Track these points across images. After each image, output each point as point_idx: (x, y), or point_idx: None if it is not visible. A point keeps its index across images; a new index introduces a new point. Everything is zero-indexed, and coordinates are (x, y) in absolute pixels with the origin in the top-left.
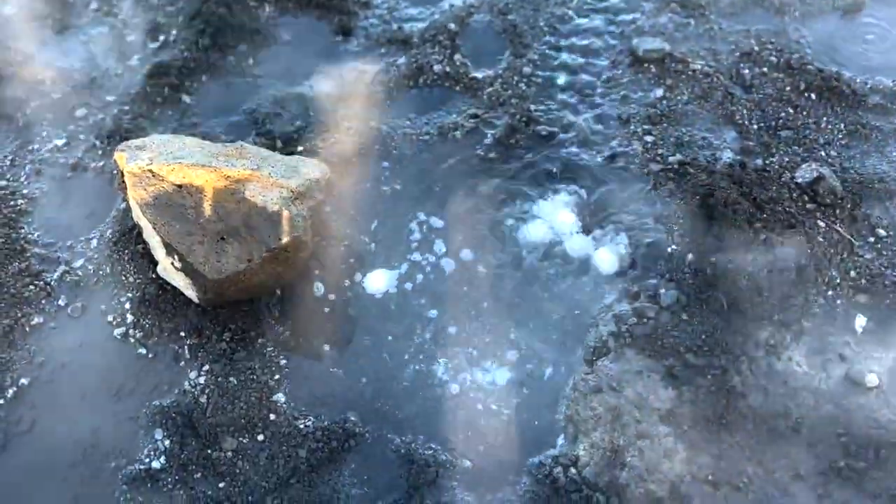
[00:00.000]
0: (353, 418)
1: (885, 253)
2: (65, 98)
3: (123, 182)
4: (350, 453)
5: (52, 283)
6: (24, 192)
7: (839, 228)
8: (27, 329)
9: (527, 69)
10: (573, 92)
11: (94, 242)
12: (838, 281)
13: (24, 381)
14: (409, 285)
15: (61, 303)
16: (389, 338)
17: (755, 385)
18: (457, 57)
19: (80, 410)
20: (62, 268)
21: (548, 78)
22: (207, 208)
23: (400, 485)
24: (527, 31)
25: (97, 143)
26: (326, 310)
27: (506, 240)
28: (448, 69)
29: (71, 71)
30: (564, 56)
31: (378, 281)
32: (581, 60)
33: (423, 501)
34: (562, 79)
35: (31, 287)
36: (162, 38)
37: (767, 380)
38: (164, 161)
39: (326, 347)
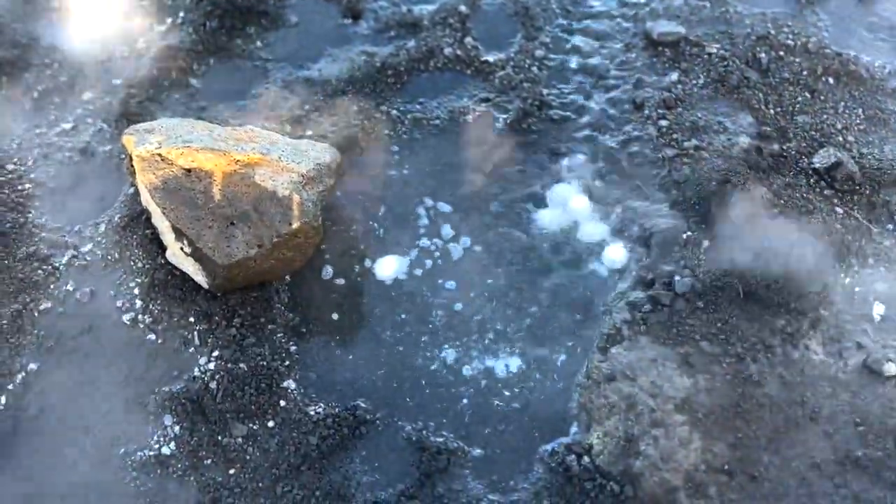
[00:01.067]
0: (363, 405)
1: None
2: (72, 81)
3: (132, 166)
4: (361, 440)
5: (61, 267)
6: (32, 176)
7: (857, 214)
8: (36, 314)
9: (539, 52)
10: (586, 76)
11: (103, 227)
12: (856, 268)
13: (32, 366)
14: (419, 271)
15: (69, 287)
16: (400, 324)
17: (771, 373)
18: (468, 40)
19: (89, 396)
20: (70, 252)
21: (560, 61)
22: (217, 193)
23: (411, 472)
24: (539, 13)
25: (105, 126)
26: (336, 296)
27: (518, 225)
28: (459, 52)
29: (78, 54)
30: (577, 39)
31: (388, 267)
32: (594, 44)
33: (434, 489)
34: (575, 62)
35: (40, 271)
36: (169, 20)
37: (784, 368)
38: (172, 145)
39: (337, 334)
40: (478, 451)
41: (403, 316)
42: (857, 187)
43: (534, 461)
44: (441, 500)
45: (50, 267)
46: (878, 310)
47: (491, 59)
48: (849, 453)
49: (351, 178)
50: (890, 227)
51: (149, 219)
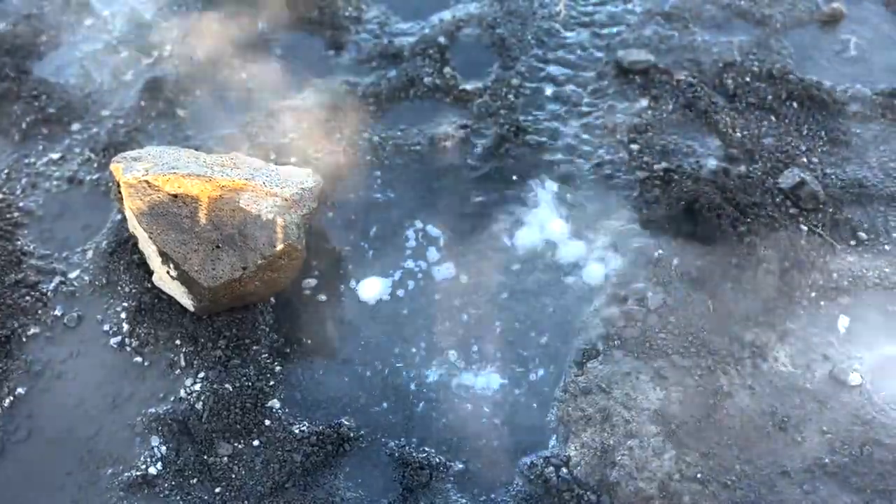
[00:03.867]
0: (347, 423)
1: (865, 255)
2: (60, 113)
3: (119, 193)
4: (345, 457)
5: (49, 293)
6: (20, 204)
7: (821, 232)
8: (24, 339)
9: (515, 81)
10: (561, 103)
11: (90, 253)
12: (821, 283)
13: (20, 390)
14: (401, 292)
15: (57, 313)
16: (383, 343)
17: (741, 385)
18: (446, 70)
19: (76, 419)
20: (58, 278)
21: (536, 89)
22: (203, 217)
23: (394, 487)
24: (515, 44)
25: (92, 156)
26: (320, 316)
27: (497, 246)
28: (438, 81)
29: (65, 86)
30: (552, 68)
31: (371, 288)
32: (568, 72)
33: (417, 503)
34: (549, 90)
35: (28, 297)
36: (156, 53)
37: (753, 380)
38: (159, 171)
39: (320, 354)
40: (459, 466)
41: (386, 335)
42: (821, 206)
43: (514, 474)
44: None
45: (38, 293)
46: (843, 322)
47: (469, 87)
48: (817, 460)
49: (333, 202)
50: (853, 243)
51: (135, 245)
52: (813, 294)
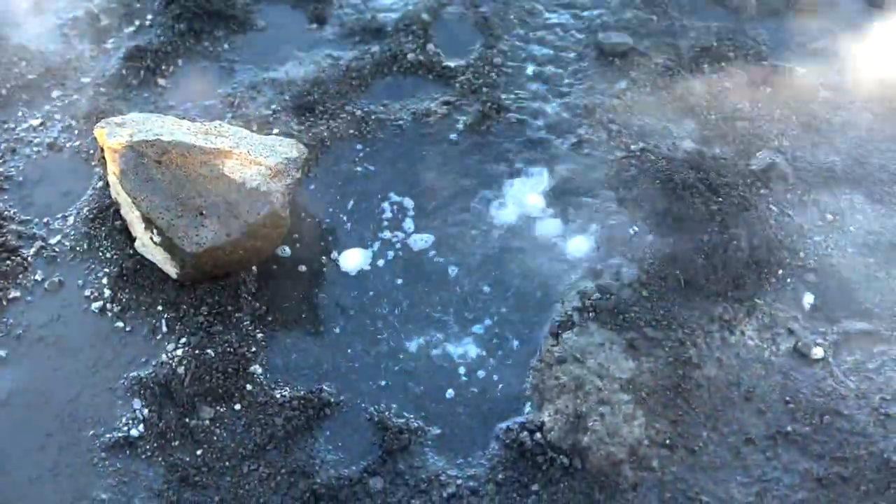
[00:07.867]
0: (328, 388)
1: (832, 235)
2: (40, 79)
3: (103, 158)
4: (325, 421)
5: (29, 258)
6: (0, 170)
7: (790, 212)
8: (4, 303)
9: (497, 60)
10: (542, 82)
11: (71, 219)
12: (788, 261)
13: (1, 353)
14: (381, 262)
15: (38, 277)
16: (363, 312)
17: (710, 356)
18: (430, 46)
19: (57, 382)
20: (38, 243)
21: (518, 68)
22: (187, 183)
23: (373, 451)
24: (497, 23)
25: (73, 123)
26: (302, 286)
27: (476, 221)
28: (421, 58)
29: (46, 53)
30: (533, 48)
31: (352, 258)
32: (549, 52)
33: (395, 466)
34: (531, 69)
35: (8, 262)
36: (138, 22)
37: (721, 352)
38: (143, 137)
39: (302, 321)
40: (437, 430)
41: (367, 305)
42: (791, 187)
43: (490, 438)
44: (402, 475)
45: (19, 257)
46: (808, 299)
47: (452, 64)
48: (780, 429)
49: (317, 173)
50: (820, 223)
51: (118, 211)
52: (780, 271)
